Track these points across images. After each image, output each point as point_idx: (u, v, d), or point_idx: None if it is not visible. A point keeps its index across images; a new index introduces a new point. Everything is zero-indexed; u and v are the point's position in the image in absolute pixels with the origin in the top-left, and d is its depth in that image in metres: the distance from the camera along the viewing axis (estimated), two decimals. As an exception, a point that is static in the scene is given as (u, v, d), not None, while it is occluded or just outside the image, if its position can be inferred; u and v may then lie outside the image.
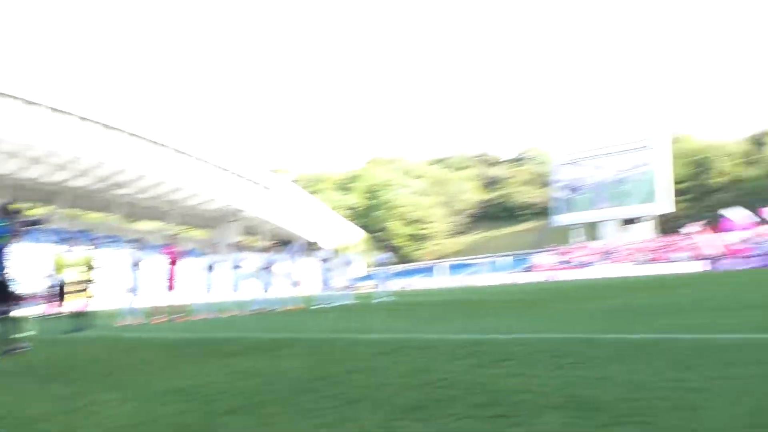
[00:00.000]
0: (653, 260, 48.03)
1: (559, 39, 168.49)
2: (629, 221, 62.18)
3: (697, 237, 51.13)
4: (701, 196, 76.80)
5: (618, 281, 26.85)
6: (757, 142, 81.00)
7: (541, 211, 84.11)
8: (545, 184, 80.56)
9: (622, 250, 53.94)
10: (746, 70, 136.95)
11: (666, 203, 60.76)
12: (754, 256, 43.14)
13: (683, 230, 54.00)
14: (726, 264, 42.45)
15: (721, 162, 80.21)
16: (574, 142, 68.54)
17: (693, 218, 61.20)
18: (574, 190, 65.51)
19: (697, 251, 47.73)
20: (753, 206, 70.88)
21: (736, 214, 52.45)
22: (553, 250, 59.89)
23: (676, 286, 16.14)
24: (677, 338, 4.62)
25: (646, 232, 61.35)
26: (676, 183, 68.09)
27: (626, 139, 63.20)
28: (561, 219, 66.22)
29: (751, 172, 77.18)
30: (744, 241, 47.75)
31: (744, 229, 49.92)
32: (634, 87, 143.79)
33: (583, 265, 51.16)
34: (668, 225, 63.12)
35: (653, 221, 62.46)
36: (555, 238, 70.10)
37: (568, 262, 53.90)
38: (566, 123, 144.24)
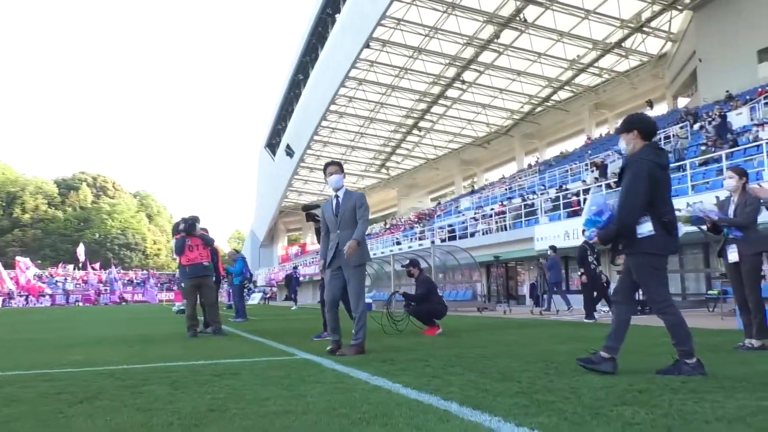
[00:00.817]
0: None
1: None
2: None
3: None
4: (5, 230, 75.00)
5: None
6: (66, 186, 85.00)
7: None
8: None
9: None
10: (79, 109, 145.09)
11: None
12: (46, 295, 46.12)
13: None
14: (19, 302, 43.36)
15: (34, 200, 79.68)
16: None
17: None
18: None
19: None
20: (60, 246, 76.02)
21: (24, 260, 50.38)
22: None
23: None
24: None
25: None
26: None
27: None
28: None
29: (59, 213, 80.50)
30: (39, 279, 50.15)
31: (30, 268, 49.46)
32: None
33: None
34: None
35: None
36: None
37: None
38: None
